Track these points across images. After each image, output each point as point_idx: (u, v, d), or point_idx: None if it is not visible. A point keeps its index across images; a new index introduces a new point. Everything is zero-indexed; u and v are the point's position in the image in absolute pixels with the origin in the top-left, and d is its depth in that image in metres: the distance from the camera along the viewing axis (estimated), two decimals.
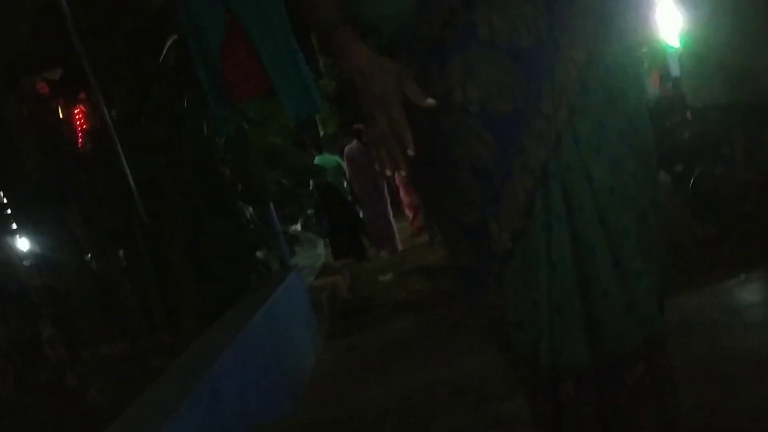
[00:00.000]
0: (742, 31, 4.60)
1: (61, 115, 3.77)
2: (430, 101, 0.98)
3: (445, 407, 2.51)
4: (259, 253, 4.39)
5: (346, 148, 7.82)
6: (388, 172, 1.00)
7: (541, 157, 1.00)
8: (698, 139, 4.59)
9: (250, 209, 4.28)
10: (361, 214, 8.01)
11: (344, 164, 7.85)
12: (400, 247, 7.80)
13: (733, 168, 4.21)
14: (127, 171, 3.29)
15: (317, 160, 7.61)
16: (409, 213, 8.42)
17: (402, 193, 8.25)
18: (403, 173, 0.99)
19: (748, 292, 2.76)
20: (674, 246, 4.24)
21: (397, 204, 8.39)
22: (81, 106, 3.72)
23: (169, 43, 3.72)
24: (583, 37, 1.02)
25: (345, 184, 7.98)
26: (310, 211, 7.48)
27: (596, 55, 1.03)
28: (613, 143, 1.03)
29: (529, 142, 1.01)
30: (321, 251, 8.12)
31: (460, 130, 1.03)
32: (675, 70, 6.30)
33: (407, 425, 2.49)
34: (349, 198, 7.98)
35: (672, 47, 6.24)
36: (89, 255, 3.73)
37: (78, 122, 3.77)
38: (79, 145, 3.76)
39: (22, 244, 3.66)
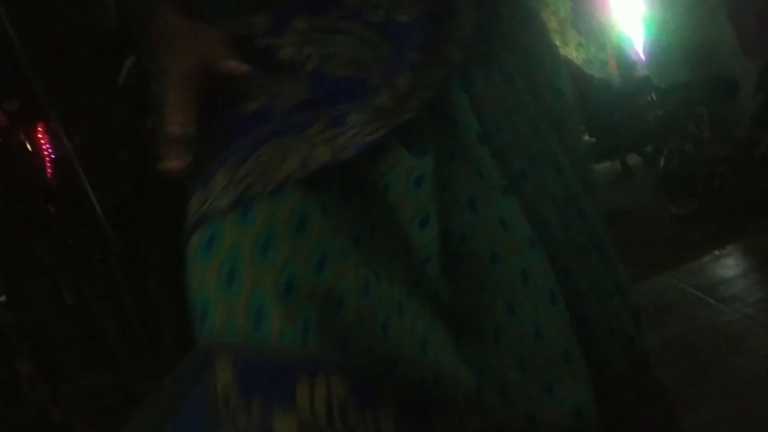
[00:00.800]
0: (699, 7, 4.66)
1: (25, 145, 3.71)
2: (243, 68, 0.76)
3: None
4: None
5: None
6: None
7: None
8: (664, 119, 4.63)
9: None
10: None
11: None
12: None
13: (700, 145, 4.25)
14: (92, 197, 3.24)
15: None
16: None
17: None
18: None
19: (723, 268, 2.78)
20: (650, 226, 4.33)
21: None
22: (44, 135, 3.66)
23: (128, 64, 3.67)
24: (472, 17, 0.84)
25: None
26: None
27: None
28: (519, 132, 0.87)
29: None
30: None
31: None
32: (632, 55, 6.38)
33: None
34: None
35: (627, 35, 6.33)
36: (63, 286, 3.67)
37: (44, 151, 3.71)
38: (48, 175, 3.70)
39: None
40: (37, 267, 3.45)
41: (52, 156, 3.72)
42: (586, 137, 6.18)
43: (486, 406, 0.73)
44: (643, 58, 6.03)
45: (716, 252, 2.95)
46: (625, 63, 6.40)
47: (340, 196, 0.73)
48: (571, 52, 8.51)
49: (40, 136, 3.68)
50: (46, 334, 3.40)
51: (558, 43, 8.52)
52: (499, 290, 0.80)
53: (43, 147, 3.70)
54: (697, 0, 4.66)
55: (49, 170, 3.71)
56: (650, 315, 2.48)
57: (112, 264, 3.59)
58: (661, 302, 2.54)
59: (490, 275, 0.80)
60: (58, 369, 3.37)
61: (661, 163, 4.46)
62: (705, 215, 3.90)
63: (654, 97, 5.03)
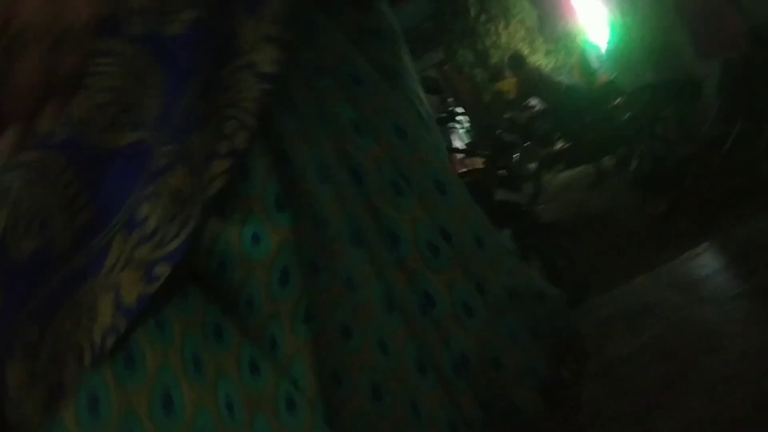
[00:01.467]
0: (662, 11, 4.77)
1: None
2: None
3: None
4: None
5: None
6: None
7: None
8: (633, 122, 4.71)
9: None
10: None
11: None
12: None
13: (669, 145, 4.33)
14: None
15: None
16: None
17: None
18: None
19: (697, 266, 2.83)
20: (627, 227, 4.38)
21: None
22: None
23: None
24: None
25: None
26: None
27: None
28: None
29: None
30: None
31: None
32: (595, 62, 6.49)
33: None
34: None
35: (593, 41, 6.44)
36: None
37: None
38: None
39: None
40: None
41: None
42: (560, 143, 6.27)
43: None
44: (609, 62, 6.14)
45: (690, 251, 3.00)
46: (588, 69, 6.50)
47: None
48: (541, 59, 8.63)
49: None
50: None
51: (527, 51, 8.64)
52: (361, 373, 0.63)
53: None
54: (659, 4, 4.77)
55: None
56: (628, 319, 2.53)
57: None
58: (638, 305, 2.59)
59: (347, 352, 0.64)
60: None
61: (633, 165, 4.53)
62: (678, 214, 3.97)
63: (621, 100, 5.11)
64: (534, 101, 6.07)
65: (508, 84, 7.39)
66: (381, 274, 0.67)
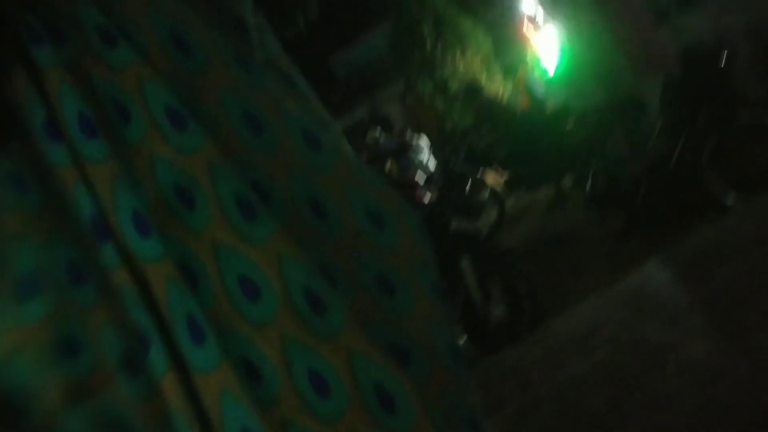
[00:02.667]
0: (603, 35, 4.91)
1: None
2: None
3: None
4: None
5: None
6: None
7: None
8: (585, 143, 4.81)
9: None
10: None
11: None
12: None
13: (621, 163, 4.43)
14: None
15: None
16: None
17: None
18: None
19: (646, 282, 2.88)
20: (585, 245, 4.44)
21: None
22: None
23: None
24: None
25: None
26: None
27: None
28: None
29: None
30: None
31: None
32: (542, 89, 6.66)
33: None
34: None
35: (543, 66, 6.61)
36: None
37: None
38: None
39: None
40: None
41: None
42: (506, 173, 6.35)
43: None
44: (557, 86, 6.28)
45: (641, 267, 3.05)
46: (535, 97, 6.65)
47: None
48: (497, 86, 8.79)
49: None
50: None
51: (484, 78, 8.80)
52: None
53: None
54: (600, 30, 4.92)
55: None
56: (577, 342, 2.55)
57: None
58: (587, 327, 2.62)
59: None
60: None
61: (588, 184, 4.62)
62: (634, 230, 4.05)
63: (572, 122, 5.22)
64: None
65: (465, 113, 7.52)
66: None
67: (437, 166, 8.88)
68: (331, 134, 0.75)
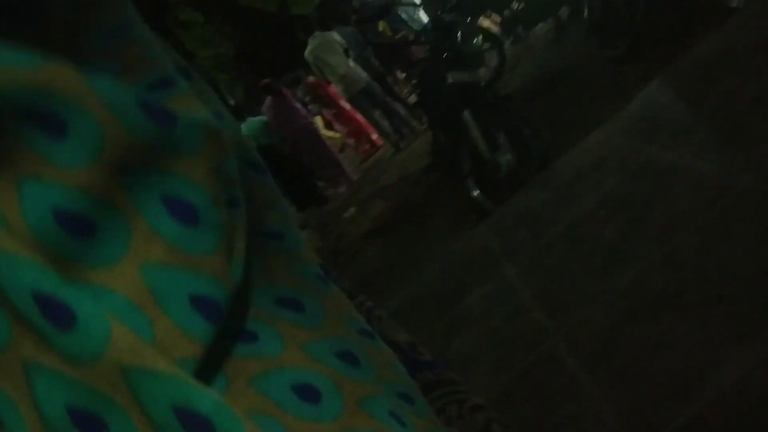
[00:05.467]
0: None
1: None
2: None
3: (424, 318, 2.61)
4: None
5: (263, 106, 7.72)
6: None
7: None
8: None
9: None
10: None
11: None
12: (353, 177, 7.83)
13: None
14: None
15: (244, 127, 7.50)
16: (350, 141, 8.40)
17: (337, 125, 8.21)
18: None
19: (649, 106, 2.81)
20: (589, 76, 4.35)
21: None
22: None
23: None
24: None
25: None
26: None
27: None
28: None
29: None
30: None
31: None
32: None
33: None
34: (288, 151, 7.95)
35: None
36: None
37: None
38: None
39: None
40: None
41: None
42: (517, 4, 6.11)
43: None
44: None
45: (643, 91, 2.98)
46: None
47: None
48: None
49: None
50: None
51: None
52: None
53: None
54: None
55: None
56: (586, 176, 2.54)
57: None
58: (595, 160, 2.59)
59: None
60: None
61: (585, 13, 4.46)
62: (635, 52, 3.93)
63: None
64: None
65: None
66: None
67: (429, 20, 8.59)
68: None
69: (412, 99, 6.37)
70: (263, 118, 7.87)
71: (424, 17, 8.22)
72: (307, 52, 7.03)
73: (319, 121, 8.65)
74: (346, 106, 7.70)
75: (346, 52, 6.89)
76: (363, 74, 6.96)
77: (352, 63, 6.93)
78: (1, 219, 0.40)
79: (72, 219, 0.41)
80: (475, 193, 3.62)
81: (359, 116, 7.74)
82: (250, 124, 7.70)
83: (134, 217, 0.43)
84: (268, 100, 7.55)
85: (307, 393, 0.48)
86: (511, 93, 3.90)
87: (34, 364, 0.40)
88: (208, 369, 0.44)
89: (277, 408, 0.47)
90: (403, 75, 9.24)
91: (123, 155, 0.43)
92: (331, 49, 6.89)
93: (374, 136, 8.03)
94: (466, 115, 3.56)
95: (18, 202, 0.40)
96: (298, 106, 7.69)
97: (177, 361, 0.42)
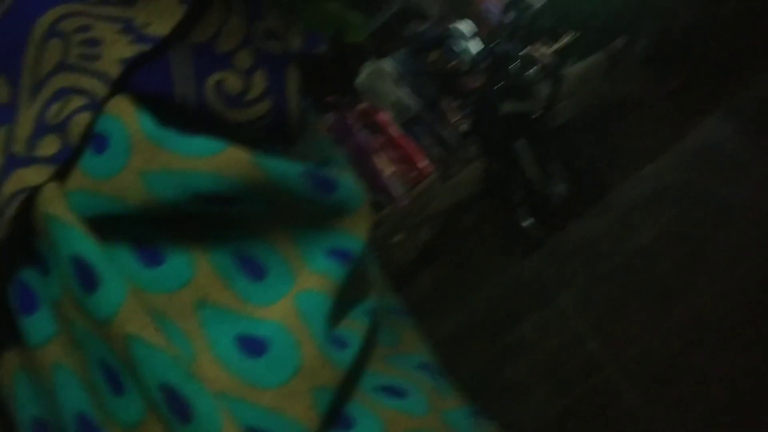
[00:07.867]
0: None
1: None
2: None
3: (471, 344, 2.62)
4: None
5: (325, 124, 7.87)
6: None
7: None
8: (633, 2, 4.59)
9: None
10: None
11: None
12: (402, 203, 7.88)
13: (673, 15, 4.21)
14: None
15: None
16: (398, 168, 8.48)
17: (386, 152, 8.33)
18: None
19: (709, 138, 2.79)
20: (645, 109, 4.33)
21: None
22: None
23: None
24: None
25: None
26: None
27: None
28: None
29: None
30: None
31: None
32: None
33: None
34: None
35: None
36: None
37: None
38: None
39: None
40: None
41: None
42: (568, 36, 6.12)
43: None
44: None
45: (702, 123, 2.96)
46: None
47: None
48: None
49: None
50: None
51: None
52: None
53: None
54: None
55: None
56: (644, 207, 2.54)
57: None
58: (653, 191, 2.58)
59: None
60: None
61: (641, 44, 4.45)
62: (693, 85, 3.90)
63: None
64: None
65: None
66: None
67: (482, 50, 8.65)
68: None
69: (464, 127, 6.42)
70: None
71: (475, 48, 8.29)
72: (359, 80, 7.16)
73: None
74: (396, 133, 7.79)
75: (397, 80, 7.00)
76: (414, 102, 7.04)
77: (403, 91, 7.03)
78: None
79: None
80: (527, 222, 3.62)
81: (408, 144, 7.81)
82: None
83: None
84: (331, 116, 7.67)
85: None
86: (564, 123, 3.91)
87: None
88: None
89: None
90: (455, 103, 9.32)
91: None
92: (382, 77, 7.00)
93: (422, 164, 8.07)
94: (520, 144, 3.59)
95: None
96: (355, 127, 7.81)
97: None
